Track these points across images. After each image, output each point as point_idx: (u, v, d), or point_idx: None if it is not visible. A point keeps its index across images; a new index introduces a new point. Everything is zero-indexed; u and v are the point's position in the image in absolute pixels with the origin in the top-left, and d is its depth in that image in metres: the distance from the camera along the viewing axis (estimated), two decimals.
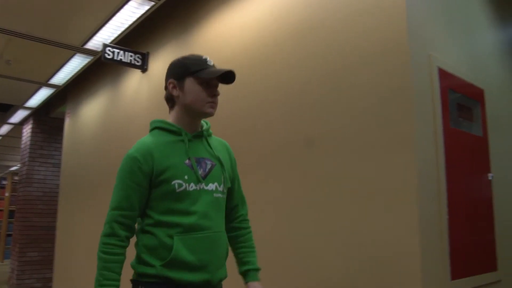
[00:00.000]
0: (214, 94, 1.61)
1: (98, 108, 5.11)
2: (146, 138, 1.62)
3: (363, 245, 2.09)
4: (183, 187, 1.54)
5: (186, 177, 1.55)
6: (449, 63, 2.31)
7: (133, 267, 1.58)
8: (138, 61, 4.06)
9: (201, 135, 1.66)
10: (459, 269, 2.10)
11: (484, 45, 2.83)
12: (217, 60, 2.94)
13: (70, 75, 5.32)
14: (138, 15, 3.78)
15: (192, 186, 1.55)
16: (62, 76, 5.35)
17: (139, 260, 1.56)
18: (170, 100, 1.64)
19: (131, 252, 1.58)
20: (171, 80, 1.62)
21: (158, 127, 1.64)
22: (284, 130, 2.57)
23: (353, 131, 2.20)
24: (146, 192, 1.56)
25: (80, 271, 4.94)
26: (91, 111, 5.31)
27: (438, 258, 2.01)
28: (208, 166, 1.62)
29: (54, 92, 6.02)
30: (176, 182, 1.53)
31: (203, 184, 1.58)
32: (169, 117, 1.66)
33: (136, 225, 1.60)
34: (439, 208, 2.05)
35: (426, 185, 1.99)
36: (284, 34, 2.64)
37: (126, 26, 3.95)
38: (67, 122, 6.08)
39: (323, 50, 2.40)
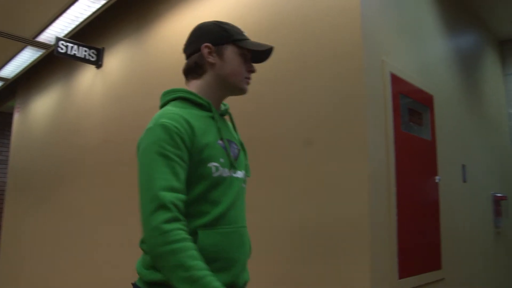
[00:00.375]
0: (251, 70, 1.43)
1: (50, 103, 4.93)
2: (171, 109, 1.30)
3: (313, 244, 2.13)
4: (219, 172, 1.28)
5: (221, 160, 1.30)
6: (401, 69, 2.39)
7: (140, 273, 1.26)
8: (92, 57, 3.95)
9: (224, 115, 1.45)
10: (406, 268, 2.17)
11: (434, 53, 2.95)
12: (173, 57, 2.91)
13: (20, 68, 5.11)
14: (94, 9, 3.67)
15: (226, 172, 1.31)
16: (12, 69, 5.13)
17: (150, 264, 1.23)
18: (199, 68, 1.37)
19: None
20: (207, 44, 1.35)
21: (183, 98, 1.35)
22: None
23: (307, 133, 2.24)
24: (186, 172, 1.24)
25: (27, 277, 4.74)
26: (42, 106, 5.12)
27: (387, 257, 2.07)
28: (236, 151, 1.39)
29: (2, 85, 5.76)
30: (213, 165, 1.27)
31: (233, 170, 1.34)
32: (186, 87, 1.40)
33: None
34: (388, 209, 2.11)
35: (376, 186, 2.04)
36: None
37: (81, 20, 3.83)
38: (16, 117, 5.83)
39: (279, 51, 2.42)
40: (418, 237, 2.35)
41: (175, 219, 1.15)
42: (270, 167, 2.37)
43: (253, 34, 2.59)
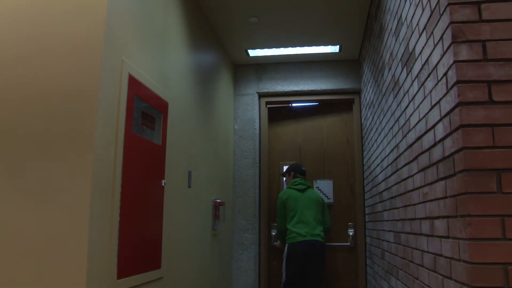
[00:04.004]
0: None
1: None
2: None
3: (26, 242, 1.94)
4: None
5: None
6: (141, 73, 2.44)
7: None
8: None
9: None
10: (125, 269, 2.19)
11: (175, 64, 3.12)
12: None
13: None
14: None
15: None
16: None
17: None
18: None
19: None
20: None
21: None
22: None
23: (31, 125, 2.04)
24: None
25: None
26: None
27: (106, 258, 2.04)
28: None
29: None
30: None
31: None
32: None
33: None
34: (111, 210, 2.10)
35: (100, 186, 2.00)
36: None
37: None
38: None
39: (10, 32, 2.15)
40: (141, 237, 2.41)
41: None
42: None
43: None
